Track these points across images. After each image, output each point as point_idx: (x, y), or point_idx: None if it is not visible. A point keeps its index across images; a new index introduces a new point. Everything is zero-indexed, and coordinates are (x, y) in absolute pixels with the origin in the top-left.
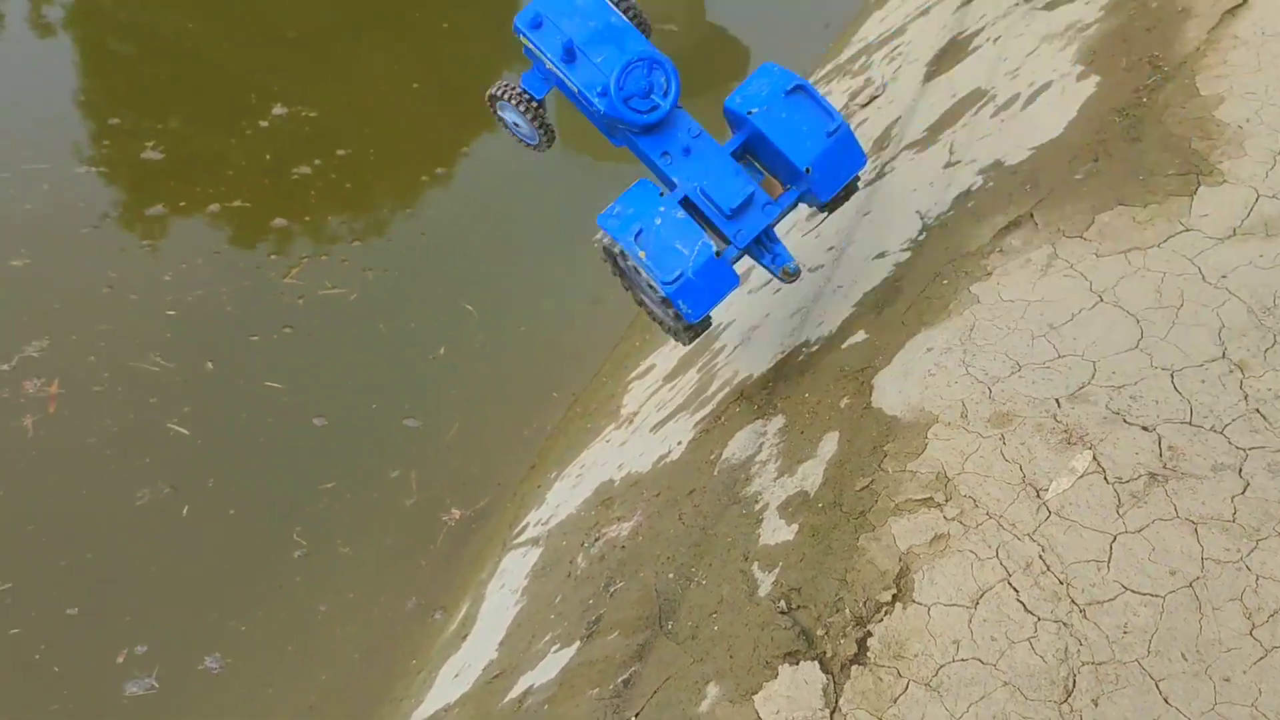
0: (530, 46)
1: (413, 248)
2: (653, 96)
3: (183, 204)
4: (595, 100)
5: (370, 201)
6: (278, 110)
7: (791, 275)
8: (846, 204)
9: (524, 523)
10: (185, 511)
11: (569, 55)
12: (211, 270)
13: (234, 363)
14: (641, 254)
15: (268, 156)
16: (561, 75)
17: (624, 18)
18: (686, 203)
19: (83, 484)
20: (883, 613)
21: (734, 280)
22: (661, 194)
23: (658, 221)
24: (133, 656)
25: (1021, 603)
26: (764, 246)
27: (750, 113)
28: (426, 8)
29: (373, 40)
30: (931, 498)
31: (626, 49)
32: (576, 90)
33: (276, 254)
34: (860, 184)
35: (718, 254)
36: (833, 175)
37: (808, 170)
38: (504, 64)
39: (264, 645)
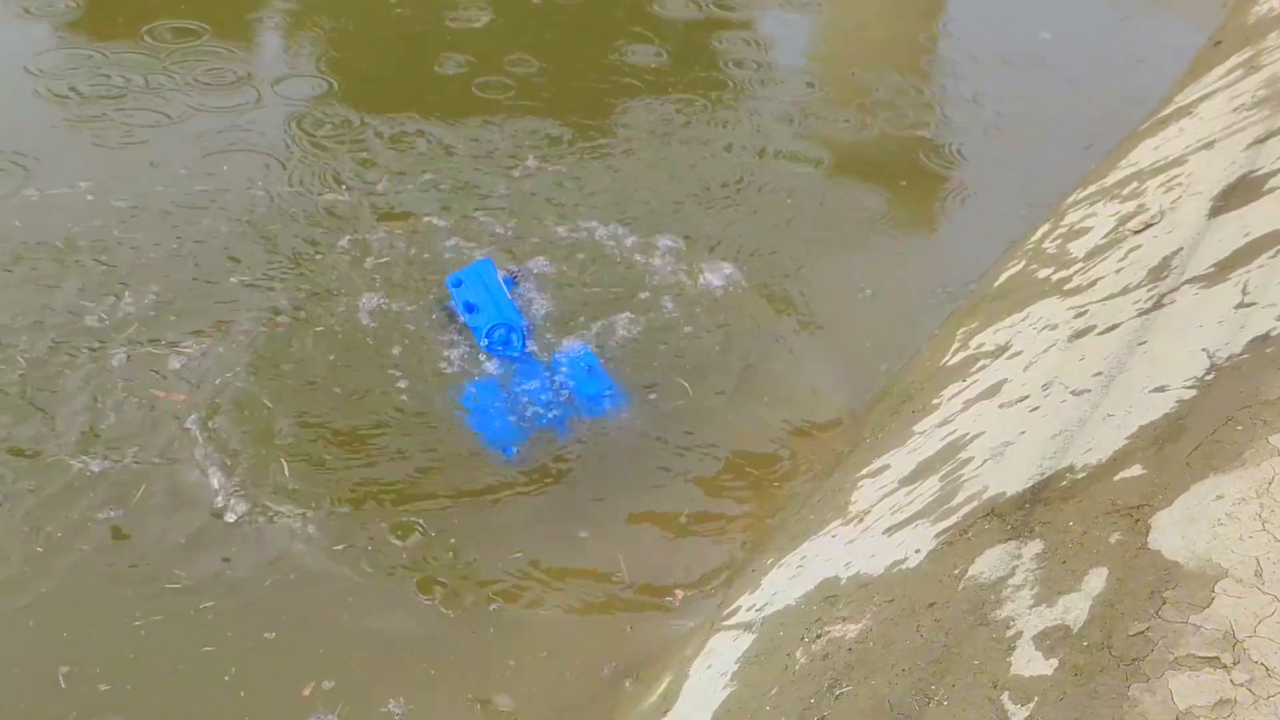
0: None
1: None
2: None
3: None
4: (480, 339)
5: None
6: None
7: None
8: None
9: (735, 605)
10: None
11: (469, 308)
12: None
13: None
14: None
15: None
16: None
17: (505, 292)
18: None
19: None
20: None
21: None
22: None
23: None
24: (319, 691)
25: None
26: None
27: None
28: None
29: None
30: (1218, 657)
31: (500, 314)
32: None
33: None
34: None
35: None
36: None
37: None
38: None
39: (449, 694)
